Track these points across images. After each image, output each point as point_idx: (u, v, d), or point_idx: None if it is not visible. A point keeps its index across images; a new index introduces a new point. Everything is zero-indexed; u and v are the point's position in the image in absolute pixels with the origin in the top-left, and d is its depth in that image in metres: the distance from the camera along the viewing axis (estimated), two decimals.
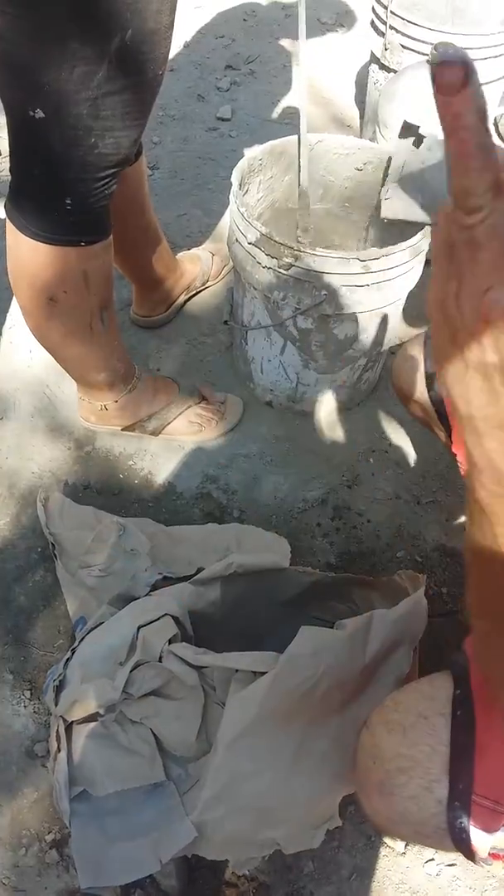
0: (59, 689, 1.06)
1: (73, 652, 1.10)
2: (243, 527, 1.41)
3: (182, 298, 1.83)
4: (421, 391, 1.09)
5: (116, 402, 1.49)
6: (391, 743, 0.79)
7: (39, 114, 0.95)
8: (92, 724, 1.01)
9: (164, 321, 1.81)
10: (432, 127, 1.22)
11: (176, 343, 1.79)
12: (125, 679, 1.01)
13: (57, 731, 1.02)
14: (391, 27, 1.84)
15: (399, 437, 1.65)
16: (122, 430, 1.56)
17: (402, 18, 1.81)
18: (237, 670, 1.02)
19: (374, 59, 1.98)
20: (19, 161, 1.06)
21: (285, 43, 2.67)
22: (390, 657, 1.03)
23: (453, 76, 0.33)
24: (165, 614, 1.08)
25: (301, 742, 0.97)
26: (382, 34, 1.88)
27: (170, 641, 1.05)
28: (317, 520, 1.50)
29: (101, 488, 1.52)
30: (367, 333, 1.45)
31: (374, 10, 1.92)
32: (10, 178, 1.10)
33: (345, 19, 2.79)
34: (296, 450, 1.61)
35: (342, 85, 2.55)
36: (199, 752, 1.02)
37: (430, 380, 1.08)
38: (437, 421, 1.10)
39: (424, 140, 1.19)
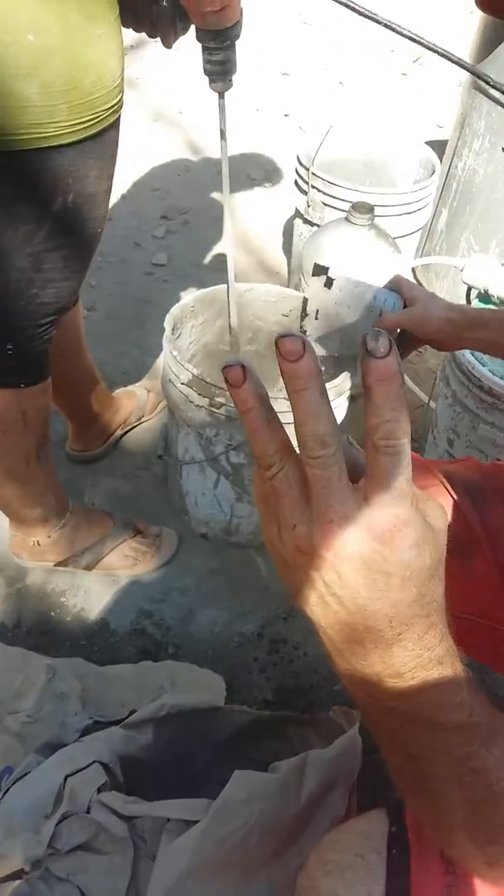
0: None
1: None
2: (177, 664, 1.39)
3: (118, 433, 1.87)
4: None
5: (50, 536, 1.48)
6: (328, 885, 0.76)
7: None
8: (16, 883, 0.95)
9: (100, 456, 1.84)
10: (342, 269, 1.30)
11: (111, 477, 1.81)
12: (51, 833, 0.96)
13: None
14: (313, 186, 2.01)
15: None
16: (55, 565, 1.54)
17: (323, 179, 1.97)
18: (168, 819, 0.98)
19: (298, 213, 2.14)
20: None
21: (217, 196, 2.86)
22: (325, 800, 1.00)
23: (232, 375, 0.45)
24: (94, 762, 1.04)
25: (235, 894, 0.93)
26: (305, 192, 2.04)
27: (99, 790, 1.01)
28: (253, 654, 1.49)
29: (32, 627, 1.48)
30: None
31: (297, 171, 2.10)
32: None
33: (272, 176, 3.02)
34: (231, 582, 1.62)
35: (270, 235, 2.73)
36: None
37: None
38: None
39: (335, 281, 1.27)
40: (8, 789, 1.07)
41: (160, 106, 3.38)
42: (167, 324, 1.44)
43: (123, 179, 2.90)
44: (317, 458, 0.44)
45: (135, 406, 1.89)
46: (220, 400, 1.34)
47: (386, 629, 0.46)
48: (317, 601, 0.48)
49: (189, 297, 1.54)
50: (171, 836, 0.97)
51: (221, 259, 2.54)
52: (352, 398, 1.55)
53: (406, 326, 1.16)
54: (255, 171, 3.02)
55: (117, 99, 0.99)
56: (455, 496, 1.05)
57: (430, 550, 0.46)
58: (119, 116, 1.03)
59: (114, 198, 2.80)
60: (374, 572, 0.45)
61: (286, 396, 0.44)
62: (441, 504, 0.48)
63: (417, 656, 0.48)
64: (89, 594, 1.55)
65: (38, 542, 1.49)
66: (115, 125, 1.02)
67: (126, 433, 1.90)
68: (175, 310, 1.48)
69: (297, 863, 0.86)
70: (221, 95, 1.15)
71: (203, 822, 0.91)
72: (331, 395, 1.36)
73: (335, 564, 0.45)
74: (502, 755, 0.54)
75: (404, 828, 0.78)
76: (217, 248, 2.60)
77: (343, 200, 1.94)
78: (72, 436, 1.79)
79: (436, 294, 1.18)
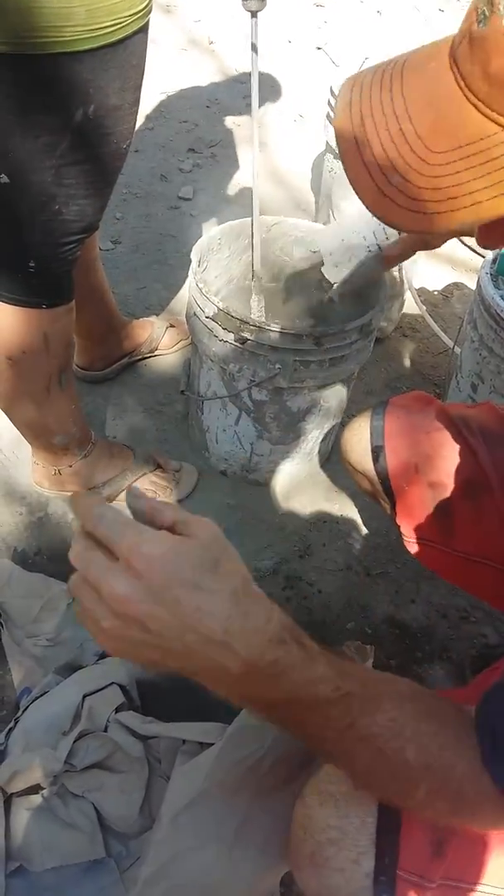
0: None
1: (17, 722, 1.08)
2: None
3: (125, 361, 1.86)
4: (367, 464, 1.13)
5: (71, 466, 1.49)
6: (323, 814, 0.78)
7: (4, 179, 0.98)
8: (32, 797, 0.99)
9: (102, 378, 1.83)
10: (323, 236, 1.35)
11: (133, 411, 1.81)
12: (68, 749, 0.99)
13: None
14: None
15: (350, 508, 1.67)
16: None
17: None
18: (184, 741, 1.01)
19: (329, 148, 2.08)
20: None
21: (246, 130, 2.79)
22: None
23: None
24: (112, 683, 1.06)
25: (246, 817, 0.95)
26: None
27: (116, 710, 1.04)
28: (268, 590, 1.50)
29: (52, 555, 1.50)
30: (320, 406, 1.49)
31: (329, 103, 2.04)
32: None
33: (303, 110, 2.94)
34: (249, 519, 1.63)
35: (300, 171, 2.67)
36: (142, 827, 1.00)
37: (376, 453, 1.11)
38: (383, 493, 1.13)
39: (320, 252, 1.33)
40: (27, 707, 1.10)
41: (191, 35, 3.28)
42: (194, 255, 1.42)
43: (151, 110, 2.84)
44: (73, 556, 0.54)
45: (147, 337, 1.87)
46: (245, 335, 1.33)
47: (209, 633, 0.52)
48: (151, 656, 0.53)
49: (215, 229, 1.51)
50: (185, 757, 0.99)
51: (248, 194, 2.48)
52: (377, 340, 1.53)
53: (412, 248, 1.16)
54: (285, 105, 2.94)
55: (143, 5, 0.95)
56: (471, 440, 1.05)
57: (190, 561, 0.52)
58: (146, 23, 0.98)
59: (140, 129, 2.75)
60: (160, 605, 0.51)
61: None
62: (204, 520, 0.56)
63: (251, 642, 0.53)
64: None
65: (59, 471, 1.50)
66: (142, 31, 0.98)
67: (135, 363, 1.89)
68: (202, 241, 1.46)
69: None
70: (254, 15, 1.11)
71: (217, 745, 0.94)
72: (356, 335, 1.35)
73: (133, 623, 0.51)
74: (387, 721, 0.60)
75: None
76: (244, 183, 2.55)
77: None
78: (77, 352, 1.77)
79: None
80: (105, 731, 1.02)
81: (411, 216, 0.51)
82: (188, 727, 1.01)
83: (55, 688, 1.09)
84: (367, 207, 0.54)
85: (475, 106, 0.47)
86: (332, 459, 1.76)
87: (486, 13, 0.44)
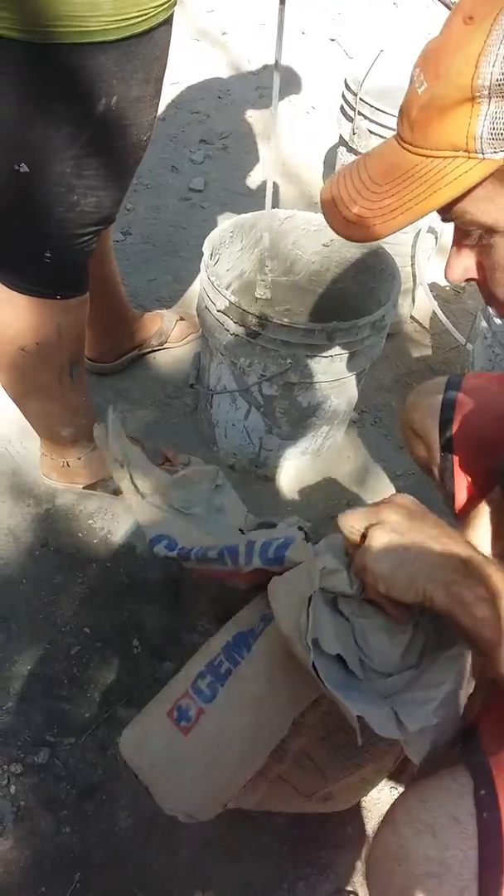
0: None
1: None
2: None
3: (134, 353, 1.86)
4: (432, 432, 1.13)
5: (79, 459, 1.49)
6: (419, 845, 0.74)
7: (24, 168, 0.98)
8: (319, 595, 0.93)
9: (111, 370, 1.83)
10: None
11: (142, 404, 1.80)
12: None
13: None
14: (360, 113, 1.93)
15: (358, 504, 1.67)
16: (83, 488, 1.55)
17: (371, 105, 1.90)
18: None
19: (342, 142, 2.07)
20: (1, 213, 1.08)
21: (258, 121, 2.78)
22: None
23: None
24: None
25: None
26: (351, 119, 1.97)
27: None
28: None
29: (59, 547, 1.50)
30: (330, 402, 1.48)
31: (343, 96, 2.02)
32: None
33: (316, 103, 2.92)
34: (256, 513, 1.61)
35: (312, 164, 2.65)
36: (398, 670, 0.90)
37: (444, 425, 1.11)
38: (439, 464, 1.13)
39: None
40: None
41: (203, 25, 3.26)
42: (206, 248, 1.41)
43: (162, 101, 2.80)
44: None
45: (157, 329, 1.87)
46: (257, 329, 1.32)
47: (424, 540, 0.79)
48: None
49: (228, 222, 1.50)
50: None
51: (260, 186, 2.48)
52: (388, 335, 1.52)
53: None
54: (298, 97, 2.92)
55: None
56: None
57: (400, 516, 0.80)
58: (171, 15, 0.98)
59: None
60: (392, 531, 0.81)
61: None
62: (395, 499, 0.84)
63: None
64: (116, 518, 1.56)
65: (67, 463, 1.49)
66: (166, 23, 0.98)
67: (144, 355, 1.89)
68: (214, 234, 1.45)
69: None
70: (283, 2, 1.10)
71: None
72: (368, 331, 1.34)
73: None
74: None
75: (495, 793, 0.75)
76: (256, 175, 2.54)
77: (391, 129, 1.87)
78: (86, 343, 1.77)
79: None
80: None
81: (363, 231, 0.75)
82: None
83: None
84: (338, 233, 0.77)
85: (406, 149, 0.68)
86: (342, 455, 1.75)
87: (409, 89, 0.67)
